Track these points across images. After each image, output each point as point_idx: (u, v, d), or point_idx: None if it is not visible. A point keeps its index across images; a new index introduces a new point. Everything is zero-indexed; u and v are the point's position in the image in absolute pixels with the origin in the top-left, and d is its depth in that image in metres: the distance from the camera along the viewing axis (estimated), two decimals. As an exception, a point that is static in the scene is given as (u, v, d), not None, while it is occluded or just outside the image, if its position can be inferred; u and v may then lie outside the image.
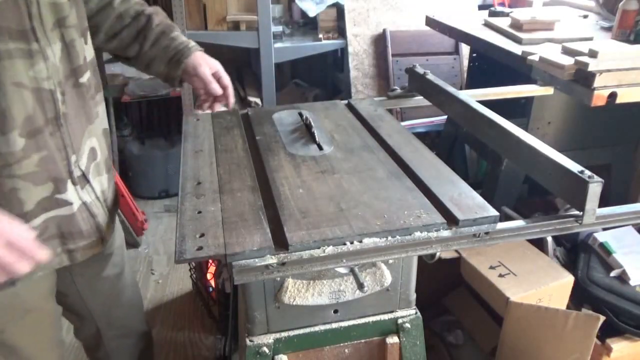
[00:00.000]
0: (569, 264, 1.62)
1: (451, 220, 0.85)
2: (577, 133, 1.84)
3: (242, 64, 3.30)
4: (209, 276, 1.96)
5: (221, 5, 2.72)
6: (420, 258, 0.92)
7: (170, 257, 2.50)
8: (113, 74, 3.04)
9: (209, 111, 1.29)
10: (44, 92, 0.87)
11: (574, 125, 1.82)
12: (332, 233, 0.81)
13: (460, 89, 2.07)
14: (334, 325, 0.97)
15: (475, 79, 2.27)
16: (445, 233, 0.84)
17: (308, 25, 3.14)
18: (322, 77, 3.52)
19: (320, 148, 1.11)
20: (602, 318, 1.30)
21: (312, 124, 1.19)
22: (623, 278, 1.53)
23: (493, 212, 0.86)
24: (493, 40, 1.78)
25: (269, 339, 0.94)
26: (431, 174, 0.99)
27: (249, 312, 0.92)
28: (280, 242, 0.80)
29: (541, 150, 0.99)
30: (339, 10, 2.93)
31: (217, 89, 1.19)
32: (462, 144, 2.32)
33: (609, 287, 1.49)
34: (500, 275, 1.50)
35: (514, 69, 1.61)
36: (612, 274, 1.54)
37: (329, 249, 0.80)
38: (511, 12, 2.08)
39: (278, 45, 2.82)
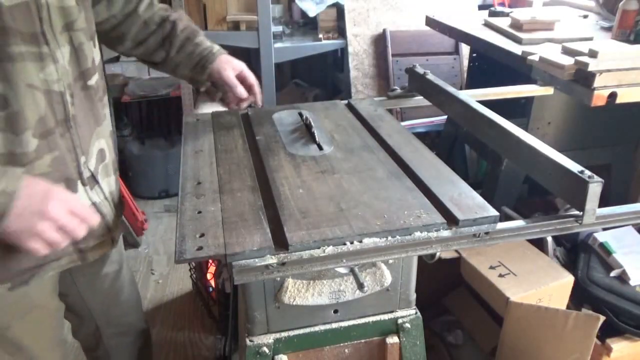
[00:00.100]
0: (569, 264, 1.62)
1: (451, 220, 0.85)
2: (577, 133, 1.84)
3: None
4: (209, 276, 1.96)
5: (221, 5, 2.72)
6: (420, 258, 0.92)
7: (170, 257, 2.50)
8: (113, 74, 3.04)
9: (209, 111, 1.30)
10: (54, 95, 0.89)
11: (574, 125, 1.82)
12: (332, 233, 0.81)
13: (460, 89, 2.07)
14: (334, 325, 0.97)
15: (475, 79, 2.27)
16: (445, 233, 0.84)
17: (308, 25, 3.14)
18: (322, 77, 3.52)
19: (320, 148, 1.11)
20: (602, 318, 1.30)
21: (312, 124, 1.19)
22: (623, 278, 1.53)
23: (493, 212, 0.86)
24: (493, 40, 1.78)
25: (269, 339, 0.94)
26: (431, 174, 0.99)
27: (249, 312, 0.92)
28: (280, 242, 0.80)
29: (541, 150, 0.99)
30: (339, 10, 2.93)
31: (242, 92, 1.22)
32: (462, 144, 2.32)
33: (609, 287, 1.49)
34: (500, 275, 1.50)
35: (514, 69, 1.61)
36: (612, 274, 1.54)
37: (329, 249, 0.80)
38: (511, 12, 2.08)
39: (278, 45, 2.82)
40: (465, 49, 2.87)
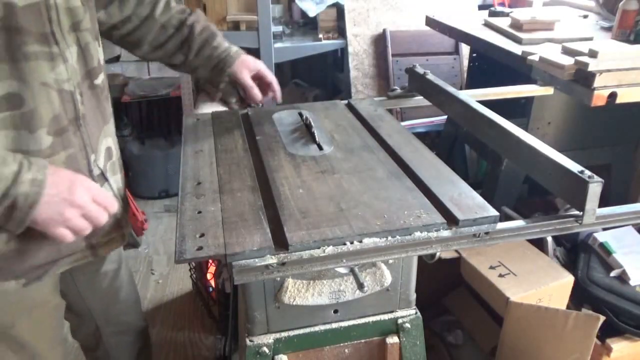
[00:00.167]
0: (569, 264, 1.62)
1: (451, 220, 0.85)
2: (577, 133, 1.84)
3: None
4: (209, 276, 1.96)
5: (221, 5, 2.73)
6: (420, 258, 0.92)
7: (170, 257, 2.50)
8: (113, 74, 3.05)
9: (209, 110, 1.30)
10: (64, 94, 0.90)
11: (574, 125, 1.82)
12: (332, 233, 0.81)
13: (460, 89, 2.07)
14: (334, 325, 0.97)
15: (475, 79, 2.27)
16: (445, 233, 0.84)
17: (308, 25, 3.14)
18: (322, 77, 3.52)
19: (320, 148, 1.11)
20: (602, 318, 1.30)
21: (312, 124, 1.19)
22: (623, 278, 1.53)
23: (493, 212, 0.86)
24: (493, 40, 1.78)
25: (269, 339, 0.94)
26: (431, 174, 0.99)
27: (249, 312, 0.92)
28: (280, 242, 0.80)
29: (541, 150, 0.99)
30: (339, 10, 2.93)
31: (256, 95, 1.25)
32: (462, 144, 2.32)
33: (609, 287, 1.49)
34: (500, 275, 1.50)
35: (514, 69, 1.61)
36: (612, 274, 1.54)
37: (329, 249, 0.80)
38: (511, 12, 2.08)
39: (278, 45, 2.82)
40: (465, 49, 2.87)
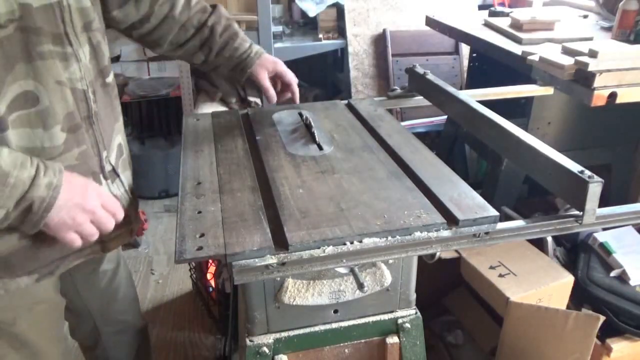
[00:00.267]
0: (569, 264, 1.62)
1: (451, 220, 0.85)
2: (577, 133, 1.84)
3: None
4: (209, 276, 1.96)
5: (221, 5, 2.72)
6: (420, 258, 0.92)
7: (170, 257, 2.49)
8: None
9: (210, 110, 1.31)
10: (78, 92, 0.91)
11: (574, 125, 1.82)
12: (332, 233, 0.81)
13: (460, 89, 2.07)
14: (334, 325, 0.97)
15: (475, 79, 2.27)
16: (445, 233, 0.84)
17: (308, 25, 3.14)
18: (322, 77, 3.52)
19: (320, 148, 1.11)
20: (602, 318, 1.30)
21: (312, 124, 1.19)
22: (623, 278, 1.53)
23: (493, 212, 0.86)
24: (493, 40, 1.78)
25: (269, 339, 0.94)
26: (431, 174, 0.99)
27: (249, 312, 0.92)
28: (280, 242, 0.80)
29: (541, 150, 0.99)
30: (339, 10, 2.93)
31: (271, 97, 1.25)
32: (462, 144, 2.32)
33: (609, 287, 1.49)
34: (500, 275, 1.50)
35: (514, 69, 1.61)
36: (612, 274, 1.54)
37: (329, 249, 0.80)
38: (511, 12, 2.08)
39: (278, 45, 2.82)
40: (465, 49, 2.87)
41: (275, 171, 1.02)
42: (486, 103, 1.23)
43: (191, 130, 1.24)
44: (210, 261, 1.85)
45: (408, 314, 1.00)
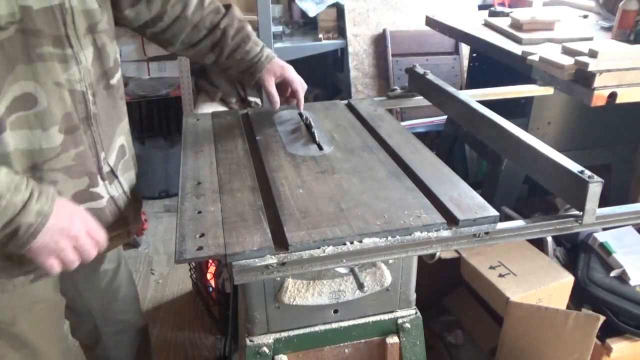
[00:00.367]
0: (569, 264, 1.62)
1: (451, 220, 0.85)
2: (577, 133, 1.84)
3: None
4: (209, 276, 1.96)
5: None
6: (420, 258, 0.92)
7: (170, 257, 2.50)
8: (113, 74, 3.04)
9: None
10: (76, 94, 0.91)
11: (574, 125, 1.82)
12: (332, 233, 0.81)
13: (460, 89, 2.07)
14: (334, 325, 0.97)
15: (475, 79, 2.27)
16: (445, 233, 0.84)
17: (308, 25, 3.14)
18: (322, 77, 3.52)
19: (320, 148, 1.11)
20: (602, 318, 1.30)
21: (312, 124, 1.19)
22: (623, 278, 1.53)
23: (493, 212, 0.86)
24: (493, 40, 1.78)
25: (269, 339, 0.94)
26: (431, 174, 0.99)
27: (249, 312, 0.92)
28: (280, 242, 0.80)
29: (541, 150, 0.99)
30: (339, 10, 2.93)
31: (275, 104, 1.24)
32: (462, 144, 2.32)
33: (609, 287, 1.49)
34: (500, 275, 1.50)
35: (514, 69, 1.61)
36: (612, 274, 1.54)
37: (329, 249, 0.80)
38: (511, 12, 2.08)
39: (278, 45, 2.82)
40: (465, 49, 2.86)
41: (275, 171, 1.02)
42: (486, 103, 1.23)
43: (191, 130, 1.24)
44: (210, 261, 1.85)
45: (408, 314, 1.00)
